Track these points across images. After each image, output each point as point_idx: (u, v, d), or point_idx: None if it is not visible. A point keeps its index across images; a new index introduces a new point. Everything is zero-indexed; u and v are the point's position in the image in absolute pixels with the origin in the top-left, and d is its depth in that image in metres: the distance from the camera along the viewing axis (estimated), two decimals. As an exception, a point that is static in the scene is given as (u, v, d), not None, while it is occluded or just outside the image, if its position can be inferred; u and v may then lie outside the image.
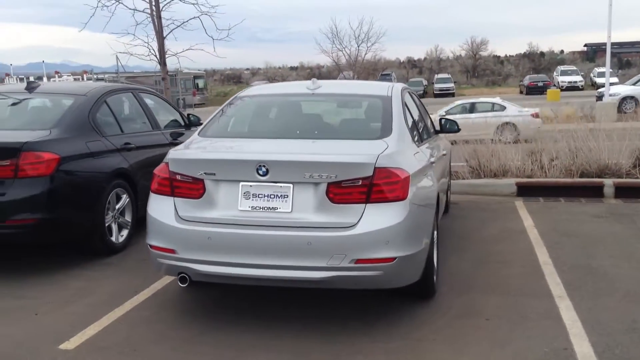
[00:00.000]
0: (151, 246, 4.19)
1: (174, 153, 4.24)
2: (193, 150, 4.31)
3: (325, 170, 3.86)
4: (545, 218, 7.23)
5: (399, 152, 4.21)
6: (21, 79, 47.83)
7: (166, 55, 11.97)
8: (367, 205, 3.86)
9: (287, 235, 3.85)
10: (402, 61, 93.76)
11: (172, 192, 4.14)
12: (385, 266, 3.85)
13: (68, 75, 46.36)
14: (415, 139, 4.84)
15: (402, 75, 71.88)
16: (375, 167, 3.86)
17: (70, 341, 4.04)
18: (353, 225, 3.83)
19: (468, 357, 3.73)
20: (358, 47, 22.14)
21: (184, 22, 11.77)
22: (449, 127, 6.57)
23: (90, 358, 3.81)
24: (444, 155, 6.54)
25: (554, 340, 3.93)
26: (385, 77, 54.10)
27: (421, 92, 51.39)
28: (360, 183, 3.85)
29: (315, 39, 24.75)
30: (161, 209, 4.17)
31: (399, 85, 5.35)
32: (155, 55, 11.90)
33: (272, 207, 3.94)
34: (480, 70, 71.62)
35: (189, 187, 4.08)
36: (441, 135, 6.78)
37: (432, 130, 6.22)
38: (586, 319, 4.23)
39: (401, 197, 3.92)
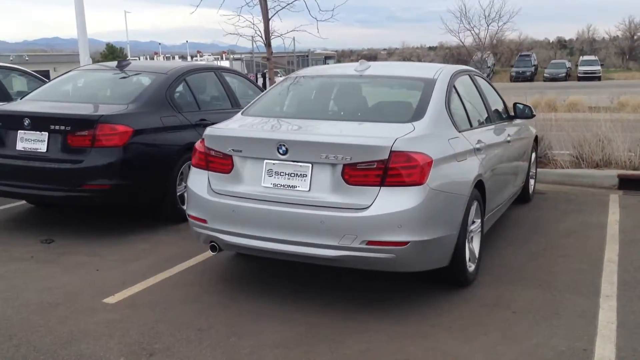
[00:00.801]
0: (189, 215, 4.47)
1: (209, 129, 4.46)
2: (227, 127, 4.51)
3: (341, 152, 3.91)
4: (635, 214, 6.72)
5: (425, 136, 4.15)
6: (167, 58, 51.39)
7: (271, 37, 12.31)
8: (382, 188, 3.86)
9: (302, 213, 3.95)
10: (551, 41, 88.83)
11: (207, 166, 4.38)
12: (398, 249, 3.84)
13: (209, 55, 49.02)
14: (460, 123, 4.71)
15: (549, 56, 68.19)
16: (391, 151, 3.84)
17: (115, 296, 4.43)
18: (366, 207, 3.85)
19: (472, 347, 3.65)
20: (487, 26, 21.14)
21: (288, 4, 12.03)
22: (522, 112, 6.29)
23: (125, 312, 4.15)
24: (520, 140, 6.28)
25: (578, 340, 3.73)
26: (523, 58, 51.68)
27: (563, 74, 48.54)
28: (375, 166, 3.85)
29: (442, 17, 23.96)
30: (198, 181, 4.43)
31: (451, 68, 5.20)
32: (261, 36, 12.28)
33: (292, 185, 4.05)
34: (638, 52, 66.27)
35: (220, 162, 4.30)
36: (519, 121, 6.50)
37: (498, 115, 6.00)
38: (624, 322, 3.96)
39: (418, 182, 3.87)
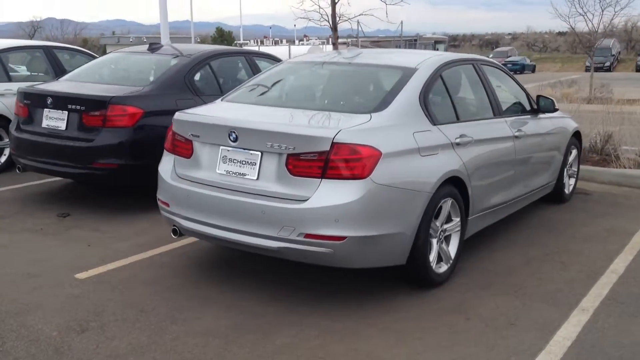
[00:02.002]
0: (157, 198, 4.57)
1: (177, 114, 4.51)
2: (191, 112, 4.53)
3: (285, 141, 3.83)
4: (678, 222, 6.10)
5: (381, 128, 3.98)
6: (276, 42, 52.30)
7: (338, 21, 12.21)
8: (323, 180, 3.75)
9: (247, 202, 3.92)
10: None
11: (174, 150, 4.44)
12: (335, 244, 3.72)
13: (315, 39, 49.36)
14: (440, 116, 4.48)
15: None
16: (333, 142, 3.72)
17: (88, 272, 4.62)
18: (306, 199, 3.75)
19: (399, 351, 3.49)
20: (602, 11, 19.74)
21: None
22: (545, 106, 5.88)
23: (87, 288, 4.32)
24: (543, 135, 5.88)
25: (518, 354, 3.48)
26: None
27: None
28: (316, 157, 3.74)
29: (552, 1, 22.18)
30: (165, 165, 4.52)
31: (442, 58, 4.93)
32: (328, 21, 12.22)
33: (242, 173, 4.03)
34: None
35: (183, 146, 4.35)
36: (546, 115, 6.07)
37: (513, 109, 5.66)
38: (582, 339, 3.65)
39: (360, 176, 3.72)
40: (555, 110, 6.01)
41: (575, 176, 7.06)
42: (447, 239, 4.52)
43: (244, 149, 4.01)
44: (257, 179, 3.96)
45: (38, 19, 73.99)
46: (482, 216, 4.94)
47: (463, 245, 4.71)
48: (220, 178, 4.12)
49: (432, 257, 4.30)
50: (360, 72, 4.93)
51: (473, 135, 4.67)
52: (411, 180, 4.00)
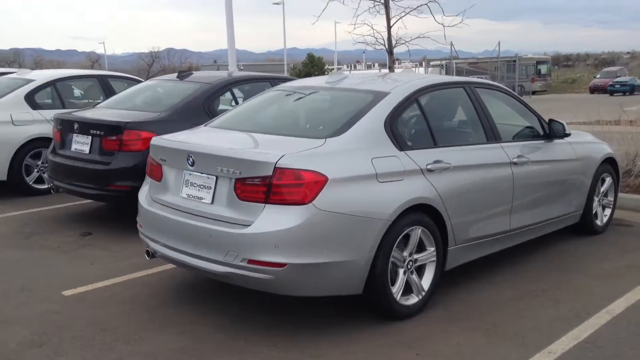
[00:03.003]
0: (137, 220, 4.72)
1: (153, 139, 4.65)
2: (163, 137, 4.64)
3: (232, 166, 3.86)
4: None
5: (333, 153, 3.92)
6: (369, 66, 52.74)
7: (395, 44, 12.11)
8: (266, 205, 3.74)
9: (198, 226, 3.98)
10: None
11: (150, 173, 4.59)
12: (276, 271, 3.69)
13: (408, 62, 49.04)
14: (410, 141, 4.37)
15: None
16: (275, 167, 3.70)
17: (76, 289, 4.83)
18: (249, 224, 3.76)
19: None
20: None
21: (411, 10, 11.75)
22: (555, 131, 5.57)
23: (65, 305, 4.52)
24: (558, 162, 5.57)
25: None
26: None
27: None
28: (260, 182, 3.74)
29: None
30: (144, 188, 4.68)
31: (422, 82, 4.79)
32: (384, 45, 12.15)
33: (200, 197, 4.09)
34: None
35: (155, 170, 4.49)
36: (563, 140, 5.74)
37: (517, 133, 5.40)
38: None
39: (301, 201, 3.68)
40: (567, 135, 5.66)
41: (611, 206, 6.58)
42: (421, 269, 4.36)
43: (201, 173, 4.08)
44: (212, 203, 4.01)
45: (156, 50, 78.92)
46: (470, 247, 4.71)
47: (442, 277, 4.52)
48: (182, 201, 4.21)
49: (397, 287, 4.15)
50: (335, 97, 4.89)
51: (452, 161, 4.49)
52: (364, 207, 3.89)
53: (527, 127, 5.65)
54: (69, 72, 9.31)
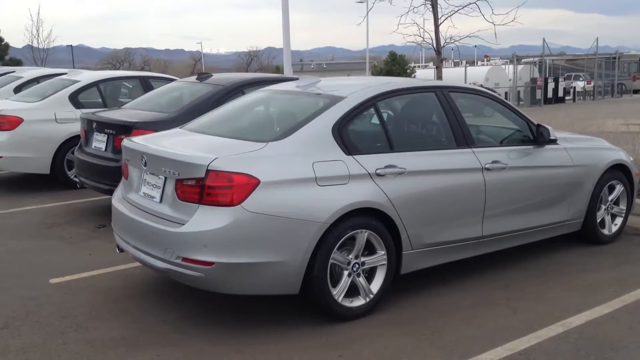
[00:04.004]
0: None
1: (124, 139, 4.93)
2: (130, 139, 4.89)
3: (173, 167, 4.07)
4: None
5: (268, 156, 4.03)
6: (456, 63, 51.45)
7: (444, 44, 11.92)
8: (200, 206, 3.91)
9: (143, 223, 4.21)
10: None
11: (122, 172, 4.88)
12: (205, 269, 3.86)
13: (498, 59, 47.65)
14: (363, 146, 4.41)
15: None
16: (207, 169, 3.87)
17: (64, 278, 5.21)
18: (183, 224, 3.95)
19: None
20: None
21: (459, 8, 11.52)
22: (542, 136, 5.39)
23: (45, 293, 4.87)
24: (545, 169, 5.41)
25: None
26: None
27: None
28: (194, 183, 3.92)
29: None
30: (119, 186, 4.97)
31: (382, 86, 4.78)
32: (433, 46, 11.99)
33: (152, 196, 4.33)
34: None
35: (124, 169, 4.77)
36: (556, 146, 5.56)
37: (494, 138, 5.32)
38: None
39: (230, 203, 3.83)
40: (552, 140, 5.44)
41: (622, 215, 6.26)
42: (372, 271, 4.40)
43: (152, 173, 4.32)
44: (160, 202, 4.23)
45: (255, 49, 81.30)
46: (431, 251, 4.68)
47: (396, 280, 4.54)
48: (140, 199, 4.46)
49: (339, 289, 4.21)
50: (295, 102, 4.98)
51: (408, 166, 4.48)
52: (299, 210, 3.98)
53: (515, 132, 5.50)
54: (113, 74, 9.91)
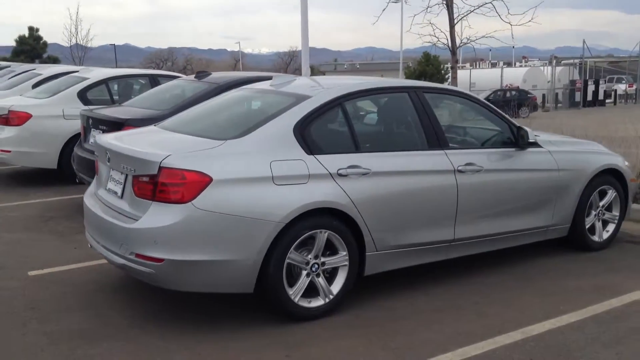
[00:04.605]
0: None
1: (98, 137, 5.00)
2: (99, 135, 4.96)
3: (130, 164, 4.11)
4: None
5: (224, 154, 4.05)
6: (493, 64, 50.89)
7: (459, 44, 11.75)
8: (153, 202, 3.95)
9: (104, 219, 4.27)
10: None
11: (95, 168, 4.96)
12: (156, 266, 3.89)
13: (536, 61, 46.80)
14: (325, 146, 4.38)
15: None
16: (160, 166, 3.90)
17: (42, 270, 5.32)
18: (137, 220, 3.99)
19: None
20: None
21: (474, 8, 11.34)
22: (522, 139, 5.28)
23: (17, 284, 4.96)
24: (527, 172, 5.30)
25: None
26: None
27: None
28: (148, 180, 3.96)
29: None
30: (93, 182, 5.05)
31: (351, 85, 4.75)
32: (448, 46, 11.82)
33: (115, 191, 4.39)
34: None
35: (96, 165, 4.84)
36: (540, 149, 5.44)
37: (471, 140, 5.24)
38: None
39: (181, 200, 3.85)
40: (531, 143, 5.31)
41: (615, 221, 6.08)
42: (334, 272, 4.37)
43: (114, 169, 4.37)
44: (121, 197, 4.29)
45: (295, 49, 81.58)
46: (398, 253, 4.63)
47: (359, 281, 4.51)
48: (105, 194, 4.53)
49: (296, 289, 4.20)
50: (265, 101, 4.98)
51: (372, 166, 4.44)
52: (253, 209, 3.98)
53: (496, 135, 5.40)
54: (122, 71, 10.06)
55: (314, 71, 58.91)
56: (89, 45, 36.23)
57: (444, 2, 11.49)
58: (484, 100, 5.50)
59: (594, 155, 5.92)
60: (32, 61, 33.42)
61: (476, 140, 5.42)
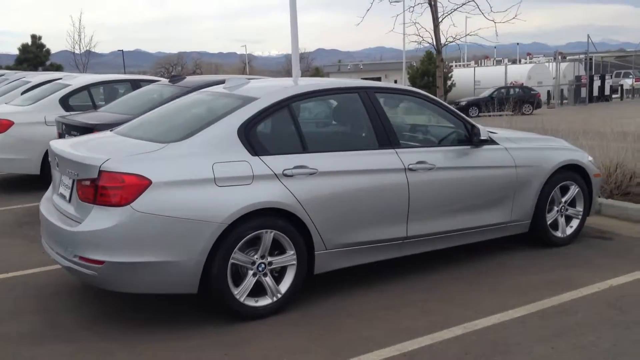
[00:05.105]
0: None
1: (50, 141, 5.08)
2: (53, 140, 5.04)
3: (74, 168, 4.20)
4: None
5: (164, 157, 4.12)
6: (498, 62, 50.70)
7: (445, 43, 11.75)
8: (94, 206, 4.02)
9: (53, 222, 4.35)
10: None
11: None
12: (97, 268, 3.96)
13: (541, 57, 46.53)
14: (272, 147, 4.44)
15: None
16: (100, 170, 3.98)
17: (7, 274, 5.41)
18: (79, 223, 4.06)
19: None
20: None
21: (457, 7, 11.34)
22: (476, 137, 5.31)
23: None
24: (482, 169, 5.33)
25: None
26: None
27: None
28: (89, 183, 4.04)
29: None
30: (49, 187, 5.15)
31: (300, 87, 4.80)
32: (433, 44, 11.83)
33: (64, 196, 4.47)
34: None
35: (52, 170, 4.93)
36: (499, 146, 5.48)
37: (424, 139, 5.29)
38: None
39: (120, 203, 3.92)
40: (484, 141, 5.33)
41: (579, 217, 6.09)
42: (283, 271, 4.43)
43: (64, 174, 4.46)
44: (69, 201, 4.37)
45: (303, 51, 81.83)
46: (349, 252, 4.68)
47: (309, 280, 4.56)
48: (57, 199, 4.61)
49: (242, 289, 4.26)
50: (214, 103, 5.02)
51: (319, 166, 4.49)
52: (194, 211, 4.04)
53: (451, 133, 5.43)
54: (105, 77, 10.18)
55: (319, 73, 59.05)
56: (93, 51, 36.58)
57: (428, 1, 11.49)
58: (439, 100, 5.53)
59: (554, 152, 5.93)
60: (35, 69, 33.76)
61: (431, 138, 5.46)
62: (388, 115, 5.09)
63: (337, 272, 4.79)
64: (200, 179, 4.11)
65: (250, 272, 4.30)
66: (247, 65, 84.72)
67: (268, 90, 4.83)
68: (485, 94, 36.01)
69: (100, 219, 3.97)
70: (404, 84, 38.30)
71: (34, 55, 38.64)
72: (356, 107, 4.98)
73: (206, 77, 8.33)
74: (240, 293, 4.26)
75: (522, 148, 5.68)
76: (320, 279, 4.76)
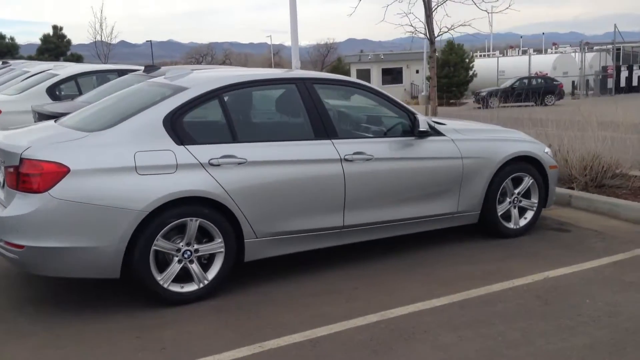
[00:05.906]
0: None
1: (2, 134, 5.22)
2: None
3: (1, 155, 4.33)
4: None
5: (84, 146, 4.23)
6: (524, 52, 49.84)
7: (438, 33, 11.67)
8: (17, 192, 4.15)
9: (-14, 208, 4.50)
10: None
11: None
12: (19, 252, 4.10)
13: (567, 47, 45.59)
14: (199, 136, 4.52)
15: None
16: (21, 157, 4.10)
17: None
18: (4, 209, 4.20)
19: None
20: None
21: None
22: (416, 128, 5.32)
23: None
24: (427, 160, 5.35)
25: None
26: None
27: None
28: (13, 170, 4.17)
29: None
30: None
31: (232, 77, 4.86)
32: (426, 35, 11.75)
33: (0, 182, 4.61)
34: None
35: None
36: (437, 137, 5.47)
37: (366, 130, 5.34)
38: None
39: (38, 189, 4.05)
40: (423, 132, 5.31)
41: (534, 208, 6.04)
42: (212, 258, 4.51)
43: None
44: (2, 187, 4.51)
45: (332, 41, 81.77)
46: (281, 240, 4.74)
47: (238, 267, 4.64)
48: None
49: (166, 275, 4.35)
50: (148, 92, 5.10)
51: (249, 156, 4.56)
52: (114, 198, 4.14)
53: (396, 124, 5.43)
54: (92, 67, 10.37)
55: (340, 63, 58.84)
56: (127, 41, 36.95)
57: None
58: (381, 90, 5.53)
59: (505, 143, 5.89)
60: (56, 59, 34.32)
61: (374, 129, 5.46)
62: (330, 106, 5.13)
63: (273, 258, 4.85)
64: (120, 167, 4.21)
65: (176, 259, 4.39)
66: (274, 56, 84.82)
67: (200, 80, 4.89)
68: (507, 84, 35.51)
69: (21, 205, 4.10)
70: (424, 73, 37.99)
71: (54, 46, 39.37)
72: (293, 98, 5.03)
73: (181, 68, 8.41)
74: (165, 279, 4.36)
75: (470, 139, 5.66)
76: (251, 266, 4.83)
